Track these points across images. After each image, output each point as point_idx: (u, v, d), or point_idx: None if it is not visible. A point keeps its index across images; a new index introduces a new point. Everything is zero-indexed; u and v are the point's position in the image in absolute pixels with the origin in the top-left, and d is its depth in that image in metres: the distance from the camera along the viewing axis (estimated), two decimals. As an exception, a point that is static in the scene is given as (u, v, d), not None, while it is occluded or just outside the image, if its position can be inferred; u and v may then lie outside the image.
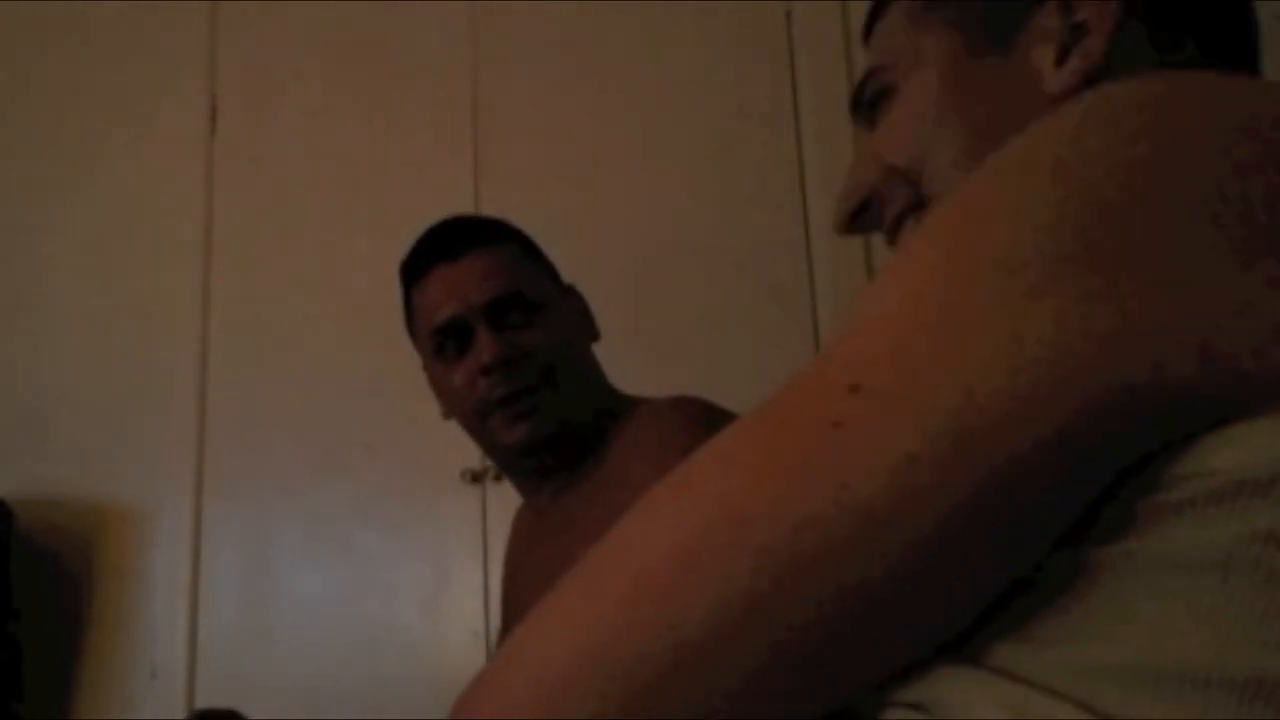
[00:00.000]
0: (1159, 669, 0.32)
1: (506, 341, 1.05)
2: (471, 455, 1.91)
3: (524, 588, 1.15)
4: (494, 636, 1.79)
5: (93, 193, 2.24)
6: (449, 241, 1.11)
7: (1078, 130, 0.38)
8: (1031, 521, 0.35)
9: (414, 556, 1.98)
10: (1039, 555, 0.35)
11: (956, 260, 0.37)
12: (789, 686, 0.36)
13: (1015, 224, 0.36)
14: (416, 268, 1.12)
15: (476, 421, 1.09)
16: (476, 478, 1.95)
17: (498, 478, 1.91)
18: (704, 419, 1.01)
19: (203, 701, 1.98)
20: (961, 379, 0.34)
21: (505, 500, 1.93)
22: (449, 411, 1.14)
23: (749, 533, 0.35)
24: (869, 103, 0.61)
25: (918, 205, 0.58)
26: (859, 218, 0.61)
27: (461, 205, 2.00)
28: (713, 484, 0.37)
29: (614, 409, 1.11)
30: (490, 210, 2.05)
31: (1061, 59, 0.53)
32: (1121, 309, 0.33)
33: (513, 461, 1.12)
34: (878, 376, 0.36)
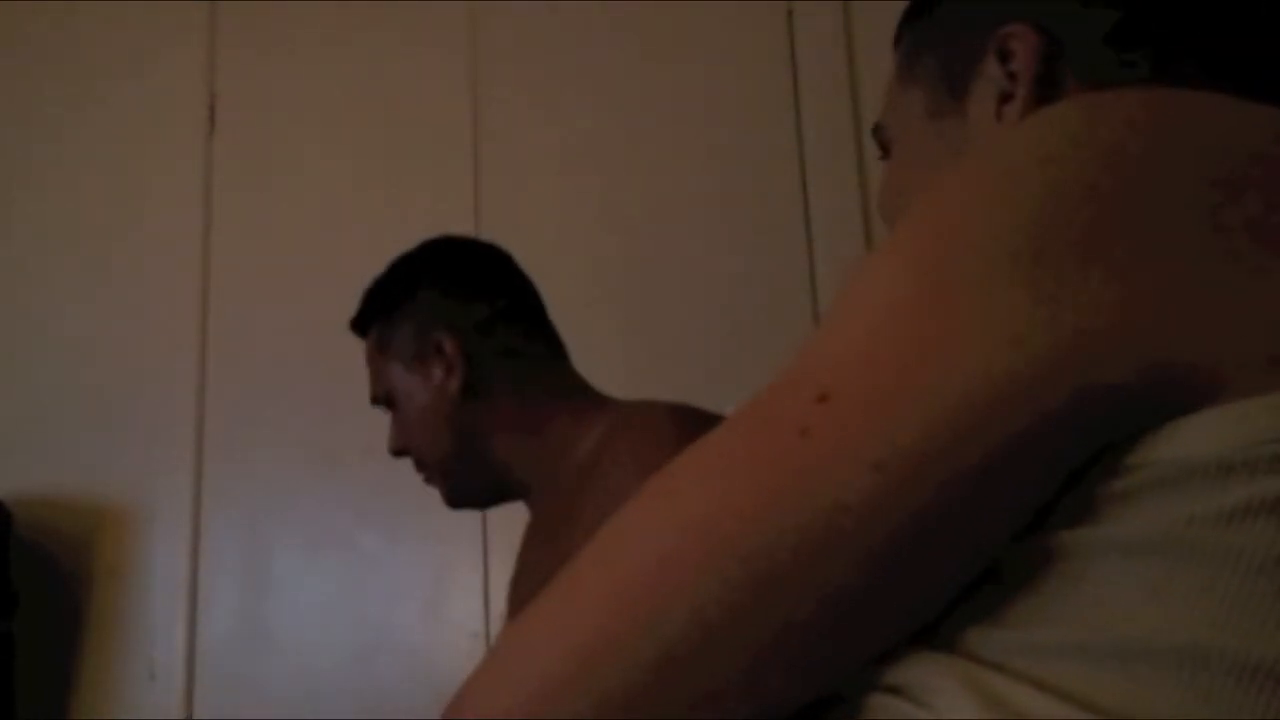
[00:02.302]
0: (1109, 646, 0.34)
1: (391, 441, 1.18)
2: (471, 456, 1.90)
3: (516, 594, 1.17)
4: (495, 639, 1.79)
5: (91, 192, 2.24)
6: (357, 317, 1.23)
7: (1041, 137, 0.39)
8: (997, 519, 0.36)
9: (414, 558, 1.98)
10: (1002, 546, 0.37)
11: (923, 267, 0.38)
12: (768, 687, 0.37)
13: (976, 232, 0.37)
14: None
15: None
16: (476, 479, 1.94)
17: (497, 479, 1.90)
18: (682, 424, 1.00)
19: (202, 703, 1.97)
20: (928, 384, 0.35)
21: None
22: None
23: (723, 542, 0.36)
24: (885, 152, 0.66)
25: None
26: None
27: (461, 205, 2.00)
28: (687, 494, 0.38)
29: (551, 405, 1.11)
30: (490, 210, 2.06)
31: (1006, 100, 0.56)
32: (1079, 314, 0.35)
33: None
34: (844, 385, 0.37)
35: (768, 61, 2.02)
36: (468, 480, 1.14)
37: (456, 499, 1.17)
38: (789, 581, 0.35)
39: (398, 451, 1.17)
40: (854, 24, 1.98)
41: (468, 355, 1.10)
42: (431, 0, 2.18)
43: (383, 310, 1.15)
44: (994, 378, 0.35)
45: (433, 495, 1.97)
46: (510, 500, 1.19)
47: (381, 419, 2.03)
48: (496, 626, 1.83)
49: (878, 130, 0.66)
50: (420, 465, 1.16)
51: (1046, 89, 0.54)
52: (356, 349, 2.04)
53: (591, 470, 1.01)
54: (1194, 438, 0.34)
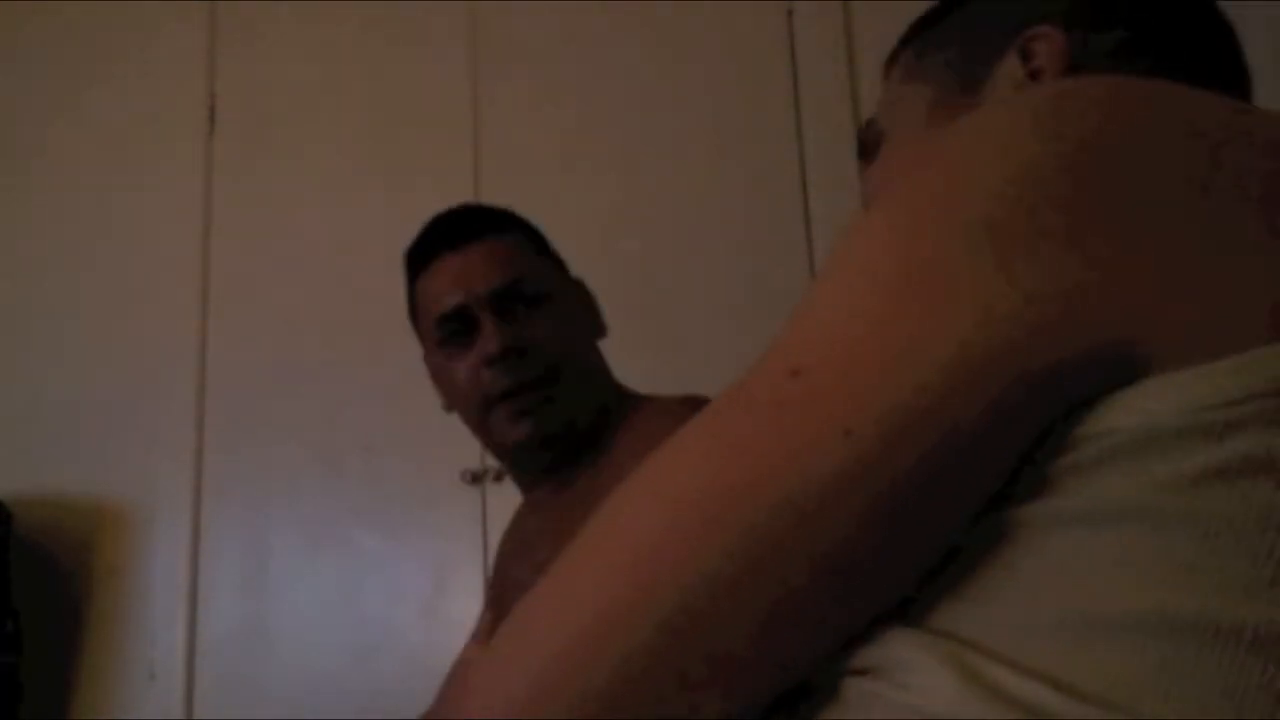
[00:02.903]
0: (1075, 617, 0.34)
1: (512, 333, 1.02)
2: (471, 455, 1.90)
3: (516, 583, 1.13)
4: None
5: (91, 193, 2.24)
6: (455, 230, 1.08)
7: (1017, 116, 0.40)
8: (967, 489, 0.37)
9: (413, 557, 1.98)
10: (970, 519, 0.37)
11: (896, 242, 0.39)
12: (752, 665, 0.37)
13: (953, 202, 0.38)
14: (421, 255, 1.09)
15: (478, 415, 1.06)
16: (476, 478, 1.94)
17: (498, 478, 1.90)
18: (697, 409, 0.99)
19: (201, 702, 1.97)
20: (894, 357, 0.36)
21: (505, 501, 1.93)
22: (450, 404, 1.12)
23: (715, 515, 0.36)
24: (872, 148, 0.66)
25: None
26: None
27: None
28: (673, 474, 0.39)
29: (617, 405, 1.09)
30: (490, 210, 2.06)
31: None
32: (1050, 285, 0.35)
33: (514, 457, 1.10)
34: (816, 360, 0.38)
35: (768, 61, 2.02)
36: (584, 400, 1.06)
37: (554, 421, 1.03)
38: (781, 549, 0.36)
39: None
40: (854, 24, 1.98)
41: None
42: (431, 0, 2.18)
43: None
44: (962, 351, 0.35)
45: (432, 496, 1.98)
46: (548, 464, 1.08)
47: (381, 420, 2.04)
48: (496, 626, 1.82)
49: (868, 127, 0.66)
50: (550, 375, 1.03)
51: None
52: (356, 349, 2.05)
53: (622, 462, 1.00)
54: (1152, 406, 0.34)
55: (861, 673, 0.37)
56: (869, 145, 0.66)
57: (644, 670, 0.36)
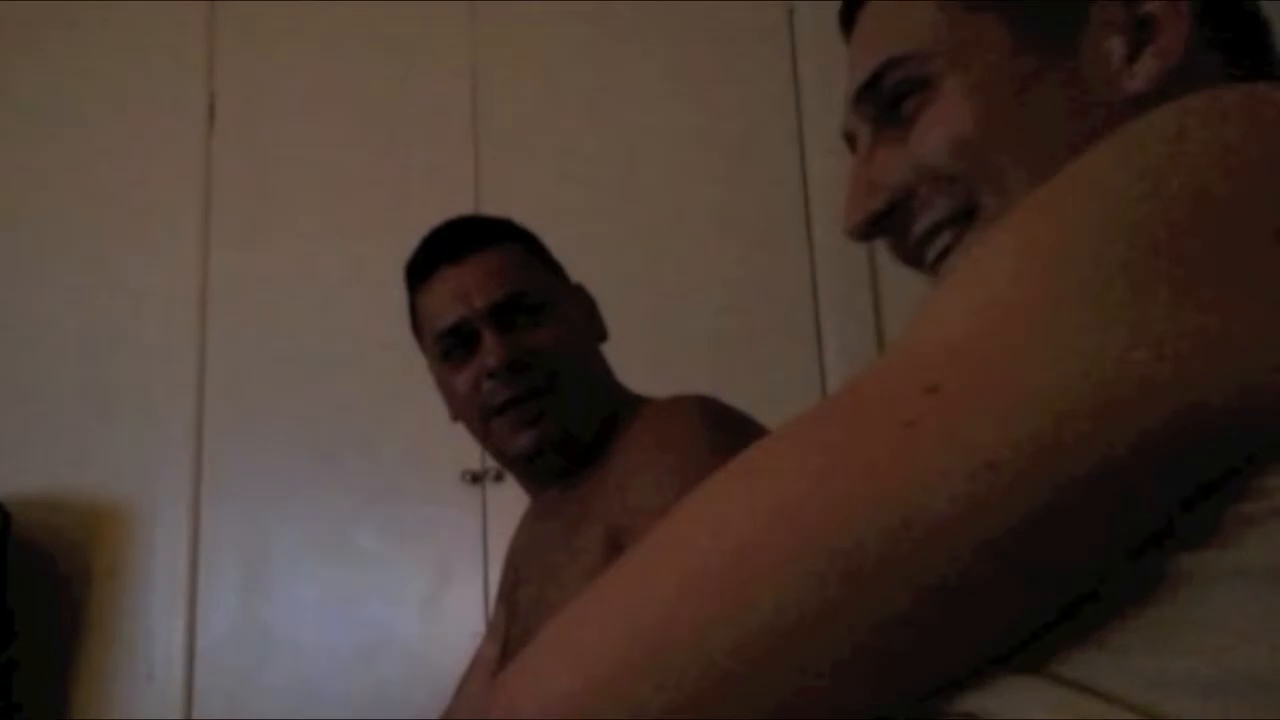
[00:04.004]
0: (1230, 676, 0.32)
1: (511, 344, 1.03)
2: (471, 456, 1.90)
3: (525, 584, 1.14)
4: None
5: (90, 191, 2.23)
6: (453, 243, 1.09)
7: (1177, 137, 0.37)
8: (1107, 531, 0.34)
9: (413, 558, 1.97)
10: (1112, 563, 0.35)
11: (1042, 263, 0.36)
12: (842, 689, 0.35)
13: (1104, 231, 0.35)
14: (421, 270, 1.10)
15: (481, 426, 1.08)
16: (476, 478, 1.94)
17: (498, 478, 1.90)
18: (710, 417, 1.00)
19: (200, 703, 1.97)
20: (1043, 386, 0.33)
21: (505, 501, 1.92)
22: (455, 415, 1.14)
23: (812, 530, 0.34)
24: (892, 94, 0.56)
25: (964, 214, 0.54)
26: (880, 222, 0.57)
27: (461, 205, 2.00)
28: (777, 480, 0.36)
29: (621, 409, 1.09)
30: (490, 210, 2.05)
31: (1133, 57, 0.51)
32: (1207, 324, 0.33)
33: (519, 466, 1.11)
34: (956, 378, 0.35)
35: (769, 61, 2.02)
36: (586, 407, 1.06)
37: (555, 429, 1.04)
38: (879, 579, 0.33)
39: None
40: (855, 23, 1.97)
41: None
42: (431, 0, 2.17)
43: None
44: (1117, 383, 0.33)
45: (432, 496, 1.97)
46: (552, 471, 1.09)
47: (380, 420, 2.04)
48: (496, 627, 1.82)
49: (897, 65, 0.55)
50: (551, 384, 1.04)
51: (1184, 60, 0.50)
52: (355, 349, 2.05)
53: (626, 463, 1.01)
54: None
55: (965, 717, 0.35)
56: (890, 93, 0.56)
57: (721, 682, 0.34)
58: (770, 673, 0.34)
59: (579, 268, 1.19)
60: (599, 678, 0.36)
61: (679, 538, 0.37)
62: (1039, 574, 0.34)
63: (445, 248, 1.09)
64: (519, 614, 1.10)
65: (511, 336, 1.04)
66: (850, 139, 0.60)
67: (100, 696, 1.99)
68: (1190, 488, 0.34)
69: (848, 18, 0.60)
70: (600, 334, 1.16)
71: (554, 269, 1.15)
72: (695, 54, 2.05)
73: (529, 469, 1.10)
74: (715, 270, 1.95)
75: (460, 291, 1.06)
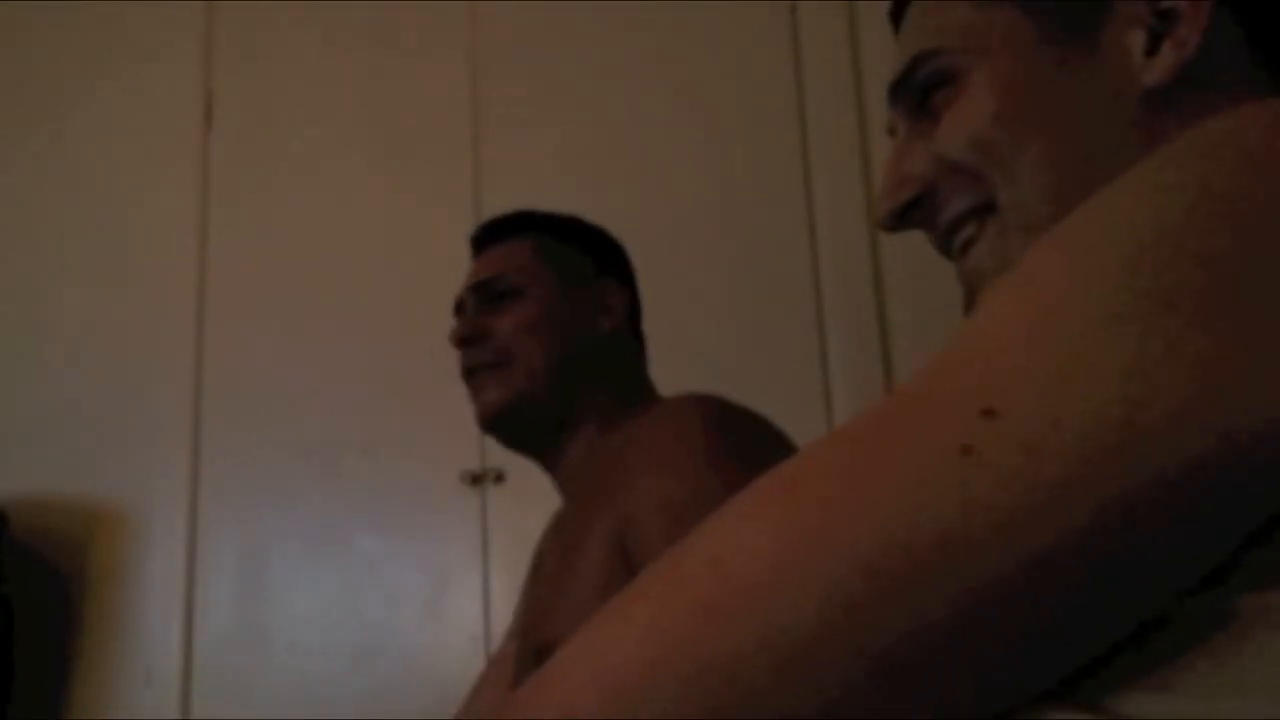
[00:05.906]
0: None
1: (469, 322, 1.15)
2: (471, 456, 1.89)
3: (535, 584, 1.17)
4: (494, 640, 1.77)
5: (88, 190, 2.23)
6: (481, 235, 1.25)
7: (1219, 153, 0.36)
8: (1159, 560, 0.33)
9: (413, 560, 1.96)
10: (1168, 596, 0.34)
11: (1095, 281, 0.35)
12: (877, 709, 0.34)
13: (1158, 250, 0.34)
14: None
15: None
16: (476, 480, 1.93)
17: (498, 480, 1.89)
18: (709, 418, 1.00)
19: (198, 706, 1.96)
20: (1105, 406, 0.33)
21: (505, 503, 1.92)
22: None
23: (857, 551, 0.33)
24: (922, 88, 0.57)
25: (984, 208, 0.55)
26: (908, 214, 0.58)
27: (461, 204, 1.99)
28: (821, 495, 0.35)
29: (635, 405, 1.13)
30: (490, 210, 2.03)
31: (1152, 49, 0.51)
32: (1265, 351, 0.32)
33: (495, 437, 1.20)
34: (1013, 401, 0.34)
35: (771, 60, 2.01)
36: (536, 378, 1.13)
37: (498, 393, 1.13)
38: (923, 599, 0.33)
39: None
40: (858, 22, 1.96)
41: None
42: (431, 0, 2.17)
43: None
44: (1177, 405, 0.32)
45: (432, 497, 1.96)
46: (518, 444, 1.17)
47: (380, 421, 2.03)
48: (497, 628, 1.81)
49: (930, 57, 0.56)
50: (500, 360, 1.13)
51: (1203, 53, 0.50)
52: (354, 350, 2.04)
53: (631, 463, 1.01)
54: None
55: None
56: (921, 85, 0.57)
57: (748, 698, 0.33)
58: (793, 689, 0.33)
59: (579, 267, 1.19)
60: (622, 689, 0.35)
61: (713, 549, 0.36)
62: (1091, 609, 0.34)
63: (476, 240, 1.26)
64: (529, 609, 1.14)
65: (480, 316, 1.15)
66: (893, 133, 0.61)
67: (98, 699, 1.99)
68: (1257, 519, 0.33)
69: (896, 15, 0.62)
70: (595, 327, 1.18)
71: (567, 260, 1.21)
72: (696, 53, 2.04)
73: (492, 434, 1.18)
74: (717, 267, 1.94)
75: (469, 276, 1.21)
